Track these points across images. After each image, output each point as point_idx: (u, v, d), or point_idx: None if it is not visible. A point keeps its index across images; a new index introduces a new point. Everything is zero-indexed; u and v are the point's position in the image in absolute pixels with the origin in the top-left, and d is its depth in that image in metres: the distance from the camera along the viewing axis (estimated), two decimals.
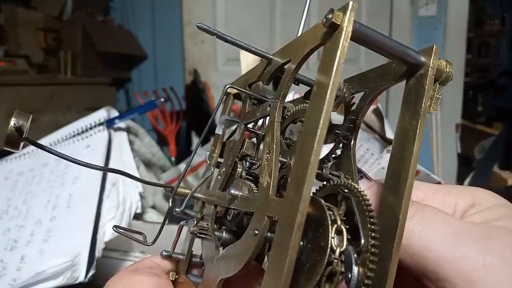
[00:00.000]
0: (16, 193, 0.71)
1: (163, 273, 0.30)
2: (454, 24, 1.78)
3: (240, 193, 0.24)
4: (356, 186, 0.21)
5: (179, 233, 0.31)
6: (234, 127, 0.32)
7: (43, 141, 0.82)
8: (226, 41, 0.25)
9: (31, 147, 0.82)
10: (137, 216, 0.70)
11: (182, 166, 0.93)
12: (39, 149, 0.80)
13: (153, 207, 0.79)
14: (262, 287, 0.18)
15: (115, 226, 0.31)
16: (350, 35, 0.17)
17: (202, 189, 0.32)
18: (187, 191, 0.30)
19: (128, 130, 0.83)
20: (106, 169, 0.66)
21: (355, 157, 0.24)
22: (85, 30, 1.72)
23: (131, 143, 0.82)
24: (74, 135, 0.81)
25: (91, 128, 0.81)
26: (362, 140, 0.71)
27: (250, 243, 0.21)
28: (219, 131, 0.33)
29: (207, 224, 0.28)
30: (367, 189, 0.22)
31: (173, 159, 1.28)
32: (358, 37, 0.18)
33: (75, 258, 0.53)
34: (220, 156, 0.34)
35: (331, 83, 0.17)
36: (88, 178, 0.68)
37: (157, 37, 2.02)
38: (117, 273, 0.29)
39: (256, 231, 0.21)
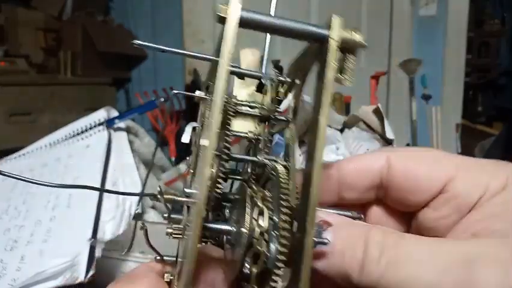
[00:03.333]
0: (16, 193, 0.71)
1: (158, 277, 0.31)
2: (454, 24, 1.78)
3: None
4: (279, 168, 0.21)
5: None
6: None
7: (43, 141, 0.82)
8: (163, 51, 0.26)
9: (30, 148, 0.82)
10: (137, 217, 0.69)
11: (182, 166, 0.93)
12: (39, 150, 0.79)
13: (153, 207, 0.79)
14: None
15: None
16: (236, 23, 0.18)
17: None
18: (172, 196, 0.30)
19: (128, 130, 0.83)
20: None
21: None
22: (85, 30, 1.73)
23: (131, 143, 0.82)
24: (74, 135, 0.81)
25: (90, 128, 0.81)
26: (362, 140, 0.71)
27: None
28: (185, 139, 0.32)
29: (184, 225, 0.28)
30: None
31: (173, 159, 1.28)
32: (249, 23, 0.19)
33: (75, 258, 0.53)
34: None
35: (220, 65, 0.18)
36: (88, 178, 0.68)
37: (157, 37, 2.02)
38: (114, 283, 0.29)
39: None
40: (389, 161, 0.24)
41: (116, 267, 0.65)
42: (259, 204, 0.20)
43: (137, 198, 0.67)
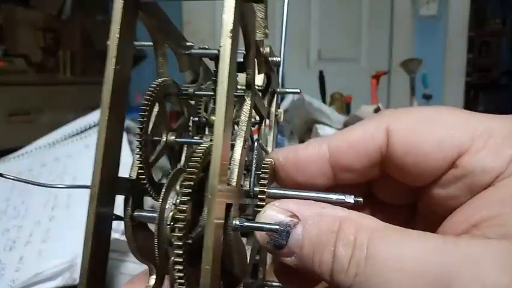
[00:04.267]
0: (15, 193, 0.71)
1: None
2: (454, 23, 1.78)
3: None
4: (200, 146, 0.19)
5: None
6: None
7: (42, 141, 0.82)
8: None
9: (29, 147, 0.82)
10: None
11: None
12: (37, 149, 0.79)
13: (152, 207, 0.79)
14: None
15: None
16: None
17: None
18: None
19: (128, 130, 0.83)
20: None
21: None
22: (84, 29, 1.72)
23: (131, 143, 0.81)
24: (73, 135, 0.81)
25: (90, 128, 0.81)
26: None
27: None
28: None
29: None
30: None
31: None
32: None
33: (74, 259, 0.53)
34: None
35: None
36: (87, 178, 0.67)
37: None
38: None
39: None
40: (388, 133, 0.20)
41: (116, 267, 0.65)
42: (177, 187, 0.18)
43: None
